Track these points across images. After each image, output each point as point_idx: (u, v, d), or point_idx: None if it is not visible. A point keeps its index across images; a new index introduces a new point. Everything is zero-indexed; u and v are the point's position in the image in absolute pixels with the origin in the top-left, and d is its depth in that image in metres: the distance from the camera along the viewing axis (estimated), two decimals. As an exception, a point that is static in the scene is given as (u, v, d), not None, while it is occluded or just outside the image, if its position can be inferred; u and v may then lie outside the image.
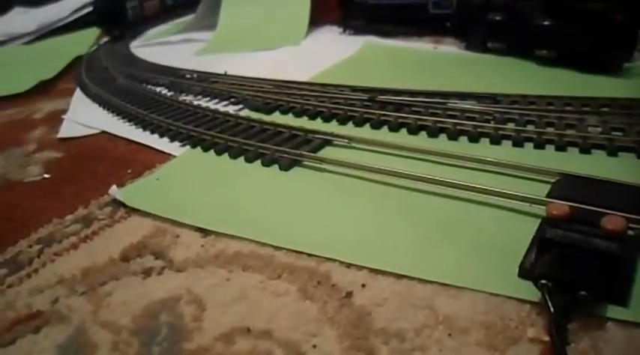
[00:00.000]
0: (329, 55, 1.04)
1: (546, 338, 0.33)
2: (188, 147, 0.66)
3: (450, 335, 0.34)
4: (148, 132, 0.73)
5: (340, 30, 1.25)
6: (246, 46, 1.19)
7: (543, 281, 0.33)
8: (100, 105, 0.89)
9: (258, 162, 0.59)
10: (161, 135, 0.71)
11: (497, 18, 0.92)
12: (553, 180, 0.47)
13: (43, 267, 0.49)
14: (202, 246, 0.47)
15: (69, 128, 0.84)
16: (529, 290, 0.35)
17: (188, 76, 0.97)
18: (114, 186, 0.58)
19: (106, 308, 0.42)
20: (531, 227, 0.42)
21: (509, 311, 0.35)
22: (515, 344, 0.33)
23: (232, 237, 0.47)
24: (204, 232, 0.49)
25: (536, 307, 0.35)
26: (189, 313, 0.40)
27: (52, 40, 1.72)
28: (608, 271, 0.33)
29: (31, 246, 0.52)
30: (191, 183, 0.59)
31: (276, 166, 0.58)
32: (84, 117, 0.86)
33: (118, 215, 0.55)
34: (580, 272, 0.33)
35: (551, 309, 0.32)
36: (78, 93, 1.02)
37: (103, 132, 0.79)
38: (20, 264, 0.50)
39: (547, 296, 0.33)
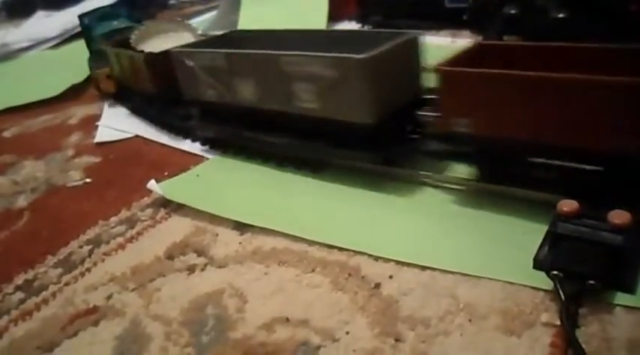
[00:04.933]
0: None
1: (558, 323, 0.36)
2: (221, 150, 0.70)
3: (470, 320, 0.38)
4: (180, 137, 0.77)
5: (359, 26, 1.28)
6: (267, 46, 1.22)
7: (555, 272, 0.37)
8: (131, 110, 0.93)
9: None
10: (193, 140, 0.75)
11: (513, 11, 0.94)
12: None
13: (94, 266, 0.53)
14: (240, 243, 0.51)
15: (104, 133, 0.88)
16: (543, 279, 0.39)
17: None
18: (152, 181, 0.62)
19: (157, 303, 0.46)
20: (547, 219, 0.44)
21: (525, 299, 0.38)
22: (530, 328, 0.36)
23: (267, 234, 0.51)
24: (241, 230, 0.53)
25: (549, 294, 0.38)
26: (233, 305, 0.44)
27: (77, 43, 1.77)
28: (615, 262, 0.36)
29: (81, 247, 0.57)
30: (226, 181, 0.63)
31: (306, 168, 0.61)
32: (117, 122, 0.91)
33: (159, 216, 0.59)
34: (589, 263, 0.36)
35: (562, 297, 0.36)
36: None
37: (137, 136, 0.84)
38: (73, 263, 0.54)
39: (558, 286, 0.36)
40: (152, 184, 0.61)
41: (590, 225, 0.37)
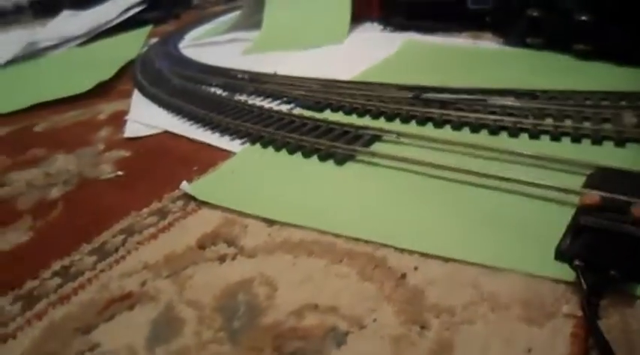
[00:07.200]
0: (372, 52, 1.08)
1: (580, 314, 0.37)
2: (248, 144, 0.72)
3: (493, 310, 0.39)
4: (208, 131, 0.80)
5: (381, 27, 1.30)
6: (290, 45, 1.24)
7: (577, 262, 0.38)
8: (159, 106, 0.96)
9: (315, 157, 0.65)
10: (221, 134, 0.77)
11: (536, 14, 0.95)
12: (588, 172, 0.51)
13: (128, 254, 0.55)
14: (269, 234, 0.53)
15: (133, 128, 0.91)
16: (564, 271, 0.40)
17: (240, 76, 1.03)
18: (184, 182, 0.64)
19: (189, 289, 0.48)
20: (567, 215, 0.45)
21: (546, 290, 0.40)
22: (551, 318, 0.38)
23: (295, 226, 0.53)
24: (270, 222, 0.55)
25: (570, 286, 0.39)
26: (263, 293, 0.46)
27: (104, 41, 1.81)
28: (636, 253, 0.38)
29: (114, 236, 0.59)
30: (254, 177, 0.65)
31: (331, 161, 0.63)
32: (146, 117, 0.93)
33: (189, 208, 0.61)
34: (611, 254, 0.38)
35: (584, 287, 0.37)
36: (136, 94, 1.09)
37: (165, 131, 0.86)
38: (107, 252, 0.57)
39: (580, 275, 0.37)
40: (184, 185, 0.64)
41: (613, 217, 0.39)
